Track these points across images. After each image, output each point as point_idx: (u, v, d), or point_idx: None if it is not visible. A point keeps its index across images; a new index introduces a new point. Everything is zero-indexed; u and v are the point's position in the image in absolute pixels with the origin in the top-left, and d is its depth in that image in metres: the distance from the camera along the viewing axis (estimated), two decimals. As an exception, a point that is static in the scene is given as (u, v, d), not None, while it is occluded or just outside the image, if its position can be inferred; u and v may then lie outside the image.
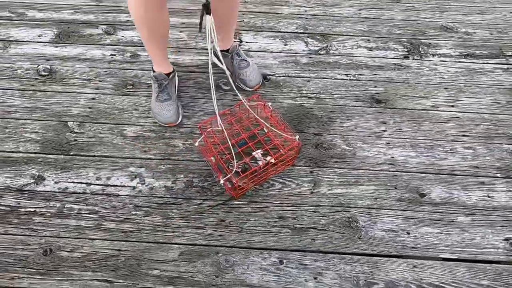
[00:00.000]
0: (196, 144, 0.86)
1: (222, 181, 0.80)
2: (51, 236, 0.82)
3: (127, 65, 1.15)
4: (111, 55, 1.18)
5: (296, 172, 0.93)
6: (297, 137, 0.86)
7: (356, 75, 1.15)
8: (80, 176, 0.91)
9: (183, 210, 0.86)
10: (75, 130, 1.00)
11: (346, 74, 1.15)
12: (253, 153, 0.90)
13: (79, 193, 0.89)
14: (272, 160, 0.85)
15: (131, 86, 1.10)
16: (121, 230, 0.83)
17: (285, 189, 0.90)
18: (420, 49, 1.23)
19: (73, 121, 1.01)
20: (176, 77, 1.07)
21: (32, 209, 0.86)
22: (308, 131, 1.00)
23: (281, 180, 0.91)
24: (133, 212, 0.85)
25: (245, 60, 1.08)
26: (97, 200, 0.87)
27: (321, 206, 0.87)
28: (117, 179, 0.91)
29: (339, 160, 0.96)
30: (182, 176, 0.91)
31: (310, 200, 0.88)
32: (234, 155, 0.88)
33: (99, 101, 1.06)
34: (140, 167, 0.93)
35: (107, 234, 0.82)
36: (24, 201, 0.87)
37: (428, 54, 1.22)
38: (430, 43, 1.25)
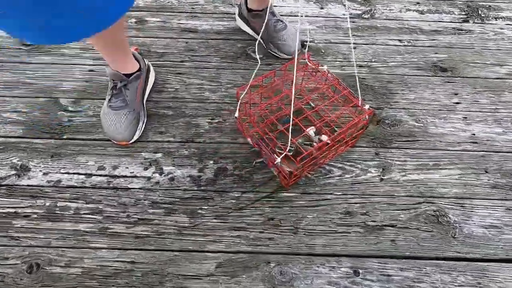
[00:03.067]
0: (236, 115, 0.65)
1: (279, 160, 0.58)
2: (38, 246, 0.60)
3: (133, 32, 0.94)
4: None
5: (357, 154, 0.73)
6: (367, 106, 0.66)
7: (411, 41, 0.96)
8: (77, 166, 0.69)
9: (217, 206, 0.65)
10: (69, 108, 0.78)
11: (399, 40, 0.96)
12: (307, 131, 0.70)
13: (76, 187, 0.67)
14: (328, 141, 0.64)
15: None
16: (134, 235, 0.61)
17: (347, 176, 0.70)
18: (480, 12, 1.05)
19: (67, 98, 0.80)
20: (152, 77, 0.79)
21: (12, 210, 0.64)
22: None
23: (339, 165, 0.71)
24: (150, 211, 0.64)
25: (282, 21, 0.88)
26: (101, 195, 0.66)
27: (396, 197, 0.67)
28: (126, 168, 0.69)
29: (409, 138, 0.76)
30: (211, 162, 0.70)
31: (381, 190, 0.68)
32: (276, 134, 0.68)
33: (99, 73, 0.84)
34: (156, 152, 0.72)
35: (116, 241, 0.61)
36: (1, 199, 0.65)
37: (490, 17, 1.04)
38: (489, 6, 1.07)
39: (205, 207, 0.65)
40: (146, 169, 0.69)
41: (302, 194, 0.67)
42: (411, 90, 0.85)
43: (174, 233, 0.62)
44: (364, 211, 0.65)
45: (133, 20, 0.97)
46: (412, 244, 0.62)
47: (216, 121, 0.77)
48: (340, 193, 0.67)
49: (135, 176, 0.68)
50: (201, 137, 0.74)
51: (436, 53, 0.93)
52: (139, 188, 0.67)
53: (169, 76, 0.85)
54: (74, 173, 0.68)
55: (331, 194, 0.67)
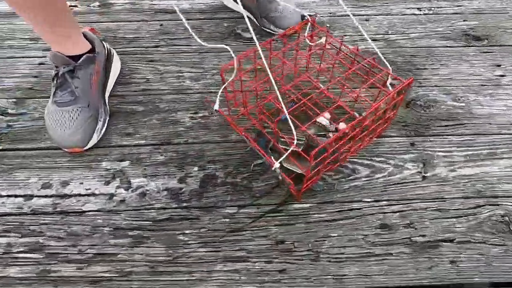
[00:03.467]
0: (216, 107, 0.48)
1: (277, 165, 0.41)
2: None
3: (95, 17, 0.77)
4: (71, 6, 0.80)
5: (387, 146, 0.56)
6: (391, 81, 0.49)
7: (433, 8, 0.80)
8: (13, 185, 0.51)
9: (205, 229, 0.47)
10: (9, 111, 0.60)
11: (417, 8, 0.80)
12: (319, 117, 0.53)
13: (9, 214, 0.49)
14: (348, 129, 0.47)
15: (101, 44, 0.72)
16: (89, 279, 0.43)
17: (378, 175, 0.52)
18: (507, -26, 0.90)
19: (7, 98, 0.62)
20: (116, 66, 0.63)
21: None
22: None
23: (366, 162, 0.54)
24: (112, 241, 0.46)
25: (276, -9, 0.72)
26: (44, 224, 0.47)
27: (447, 200, 0.50)
28: (81, 183, 0.52)
29: (450, 122, 0.59)
30: (196, 169, 0.53)
31: (426, 192, 0.51)
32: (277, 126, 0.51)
33: (50, 66, 0.67)
34: (122, 160, 0.54)
35: (63, 289, 0.43)
36: None
37: (519, -21, 0.89)
38: (516, -34, 0.92)
39: (189, 232, 0.47)
40: (107, 183, 0.52)
41: (320, 204, 0.50)
42: (443, 64, 0.68)
43: (146, 272, 0.44)
44: (407, 223, 0.48)
45: (96, 3, 0.81)
46: (480, 265, 0.44)
47: (201, 115, 0.60)
48: (371, 200, 0.50)
49: (92, 194, 0.50)
50: (181, 136, 0.57)
51: (464, 21, 0.77)
52: (97, 211, 0.49)
53: (139, 64, 0.68)
54: (7, 196, 0.50)
55: (359, 201, 0.50)
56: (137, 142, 0.56)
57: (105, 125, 0.57)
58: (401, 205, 0.49)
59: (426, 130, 0.58)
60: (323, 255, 0.45)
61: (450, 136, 0.57)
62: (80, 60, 0.53)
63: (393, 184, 0.51)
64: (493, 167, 0.53)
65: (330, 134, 0.53)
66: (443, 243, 0.46)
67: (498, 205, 0.49)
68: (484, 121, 0.59)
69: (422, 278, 0.43)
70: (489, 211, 0.48)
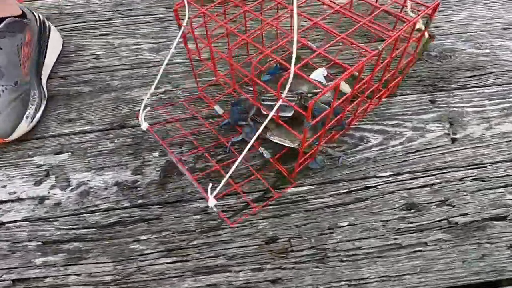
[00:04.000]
0: (144, 126, 0.35)
1: (212, 204, 0.29)
2: None
3: (38, -5, 0.66)
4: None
5: (400, 106, 0.44)
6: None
7: (433, -46, 0.69)
8: None
9: (168, 232, 0.35)
10: None
11: (415, -45, 0.69)
12: (314, 75, 0.41)
13: None
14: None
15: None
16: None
17: (393, 142, 0.40)
18: None
19: None
20: (55, 43, 0.51)
21: None
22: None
23: (376, 127, 0.42)
24: (39, 260, 0.34)
25: None
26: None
27: (488, 166, 0.38)
28: (3, 186, 0.39)
29: (476, 72, 0.47)
30: (156, 154, 0.41)
31: (458, 157, 0.39)
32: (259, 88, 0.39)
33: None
34: (59, 153, 0.42)
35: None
36: None
37: None
38: None
39: (145, 237, 0.35)
40: (39, 183, 0.39)
41: (322, 185, 0.37)
42: (454, 9, 0.57)
43: (86, 299, 0.32)
44: (441, 199, 0.36)
45: (40, -19, 0.69)
46: (551, 248, 0.32)
47: (163, 90, 0.48)
48: (389, 174, 0.38)
49: (17, 200, 0.38)
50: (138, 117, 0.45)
51: (471, -37, 0.66)
52: (22, 221, 0.36)
53: (87, 40, 0.56)
54: None
55: (373, 177, 0.38)
56: (80, 128, 0.44)
57: (40, 111, 0.44)
58: (430, 177, 0.37)
59: (447, 84, 0.46)
60: (332, 253, 0.33)
61: (478, 88, 0.45)
62: (3, 23, 0.41)
63: (415, 152, 0.39)
64: (540, 120, 0.41)
65: (329, 93, 0.41)
66: (494, 222, 0.34)
67: (557, 166, 0.37)
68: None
69: (473, 274, 0.31)
70: (547, 175, 0.37)
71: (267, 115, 0.39)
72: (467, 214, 0.34)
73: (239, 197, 0.36)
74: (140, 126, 0.41)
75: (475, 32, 0.53)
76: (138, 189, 0.38)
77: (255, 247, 0.33)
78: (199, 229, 0.35)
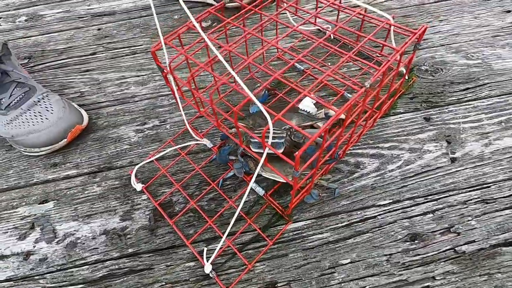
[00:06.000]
0: (138, 188, 0.34)
1: (208, 270, 0.28)
2: None
3: (21, 32, 0.65)
4: (-8, 26, 0.68)
5: (395, 127, 0.42)
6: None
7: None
8: None
9: (161, 284, 0.33)
10: None
11: (397, -34, 0.69)
12: (302, 105, 0.40)
13: None
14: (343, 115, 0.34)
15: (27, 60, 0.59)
16: None
17: (390, 167, 0.39)
18: None
19: None
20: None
21: None
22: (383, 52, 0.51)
23: (371, 151, 0.40)
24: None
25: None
26: None
27: (492, 185, 0.36)
28: (-13, 243, 0.38)
29: (469, 85, 0.46)
30: (144, 197, 0.39)
31: (460, 179, 0.37)
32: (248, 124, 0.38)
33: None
34: (44, 201, 0.40)
35: None
36: None
37: None
38: None
39: (139, 289, 0.33)
40: (23, 237, 0.37)
41: (320, 219, 0.36)
42: (442, 20, 0.56)
43: None
44: (446, 226, 0.34)
45: (23, 18, 0.68)
46: None
47: (150, 125, 0.46)
48: (388, 202, 0.36)
49: (0, 257, 0.36)
50: (125, 157, 0.43)
51: (454, -29, 0.66)
52: (5, 281, 0.34)
53: (72, 77, 0.55)
54: None
55: (372, 207, 0.36)
56: (66, 173, 0.42)
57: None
58: (432, 203, 0.35)
59: (441, 99, 0.45)
60: (335, 295, 0.31)
61: (473, 102, 0.44)
62: None
63: (414, 175, 0.38)
64: (541, 132, 0.40)
65: (320, 124, 0.39)
66: (502, 249, 0.32)
67: (563, 181, 0.36)
68: (510, 76, 0.46)
69: (487, 309, 0.29)
70: (553, 192, 0.35)
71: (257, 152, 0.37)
72: (473, 241, 0.32)
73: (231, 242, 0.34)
74: (126, 168, 0.40)
75: (464, 42, 0.52)
76: (128, 236, 0.36)
77: (254, 293, 0.31)
78: (193, 278, 0.33)
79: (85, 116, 0.46)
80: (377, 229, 0.34)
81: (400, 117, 0.43)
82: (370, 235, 0.34)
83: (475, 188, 0.36)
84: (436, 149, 0.39)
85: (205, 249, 0.32)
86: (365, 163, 0.39)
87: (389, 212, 0.35)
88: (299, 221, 0.35)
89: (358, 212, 0.35)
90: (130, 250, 0.35)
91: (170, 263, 0.34)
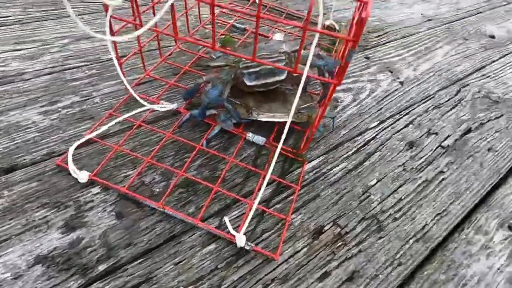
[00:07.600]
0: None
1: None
2: None
3: None
4: None
5: (349, 66, 0.45)
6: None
7: None
8: None
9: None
10: None
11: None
12: (276, 36, 0.36)
13: None
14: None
15: None
16: None
17: (362, 96, 0.39)
18: None
19: None
20: None
21: None
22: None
23: (341, 87, 0.40)
24: None
25: None
26: None
27: (437, 95, 0.42)
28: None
29: (379, 33, 0.54)
30: (94, 191, 0.26)
31: (413, 95, 0.41)
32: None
33: None
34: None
35: None
36: None
37: None
38: None
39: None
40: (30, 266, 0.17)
41: (330, 152, 0.32)
42: (334, -7, 0.65)
43: None
44: (426, 130, 0.37)
45: None
46: None
47: (67, 102, 0.31)
48: (377, 123, 0.36)
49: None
50: (36, 148, 0.27)
51: None
52: None
53: None
54: None
55: (367, 130, 0.35)
56: None
57: None
58: (406, 116, 0.38)
59: (367, 43, 0.50)
60: (382, 215, 0.27)
61: (388, 43, 0.52)
62: None
63: (382, 99, 0.40)
64: (437, 58, 0.51)
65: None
66: (467, 136, 0.37)
67: (468, 85, 0.46)
68: (400, 26, 0.57)
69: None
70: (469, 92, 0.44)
71: (246, 92, 0.32)
72: (449, 136, 0.37)
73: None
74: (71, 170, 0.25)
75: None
76: (89, 250, 0.22)
77: (305, 250, 0.24)
78: (222, 263, 0.23)
79: None
80: (381, 146, 0.34)
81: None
82: (379, 153, 0.33)
83: (426, 99, 0.41)
84: (386, 78, 0.44)
85: (226, 218, 0.23)
86: (340, 97, 0.39)
87: (382, 130, 0.36)
88: (312, 161, 0.31)
89: (359, 138, 0.34)
90: (101, 268, 0.21)
91: (178, 259, 0.22)
